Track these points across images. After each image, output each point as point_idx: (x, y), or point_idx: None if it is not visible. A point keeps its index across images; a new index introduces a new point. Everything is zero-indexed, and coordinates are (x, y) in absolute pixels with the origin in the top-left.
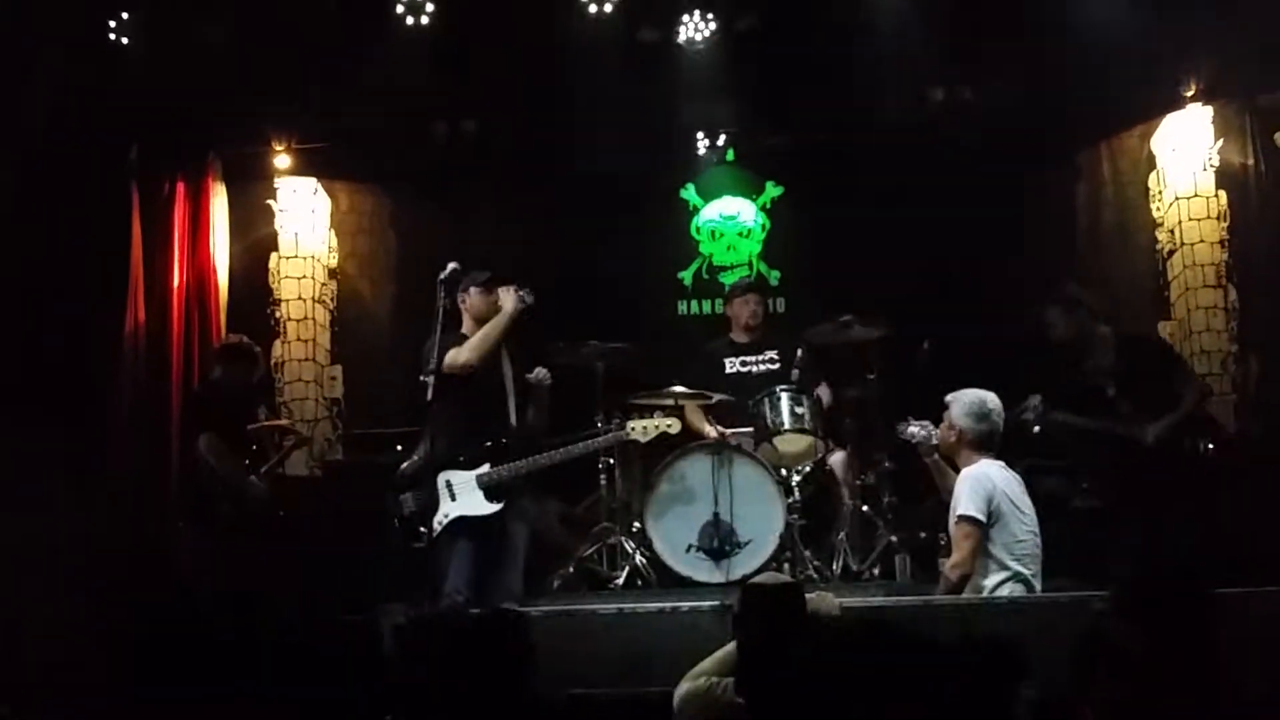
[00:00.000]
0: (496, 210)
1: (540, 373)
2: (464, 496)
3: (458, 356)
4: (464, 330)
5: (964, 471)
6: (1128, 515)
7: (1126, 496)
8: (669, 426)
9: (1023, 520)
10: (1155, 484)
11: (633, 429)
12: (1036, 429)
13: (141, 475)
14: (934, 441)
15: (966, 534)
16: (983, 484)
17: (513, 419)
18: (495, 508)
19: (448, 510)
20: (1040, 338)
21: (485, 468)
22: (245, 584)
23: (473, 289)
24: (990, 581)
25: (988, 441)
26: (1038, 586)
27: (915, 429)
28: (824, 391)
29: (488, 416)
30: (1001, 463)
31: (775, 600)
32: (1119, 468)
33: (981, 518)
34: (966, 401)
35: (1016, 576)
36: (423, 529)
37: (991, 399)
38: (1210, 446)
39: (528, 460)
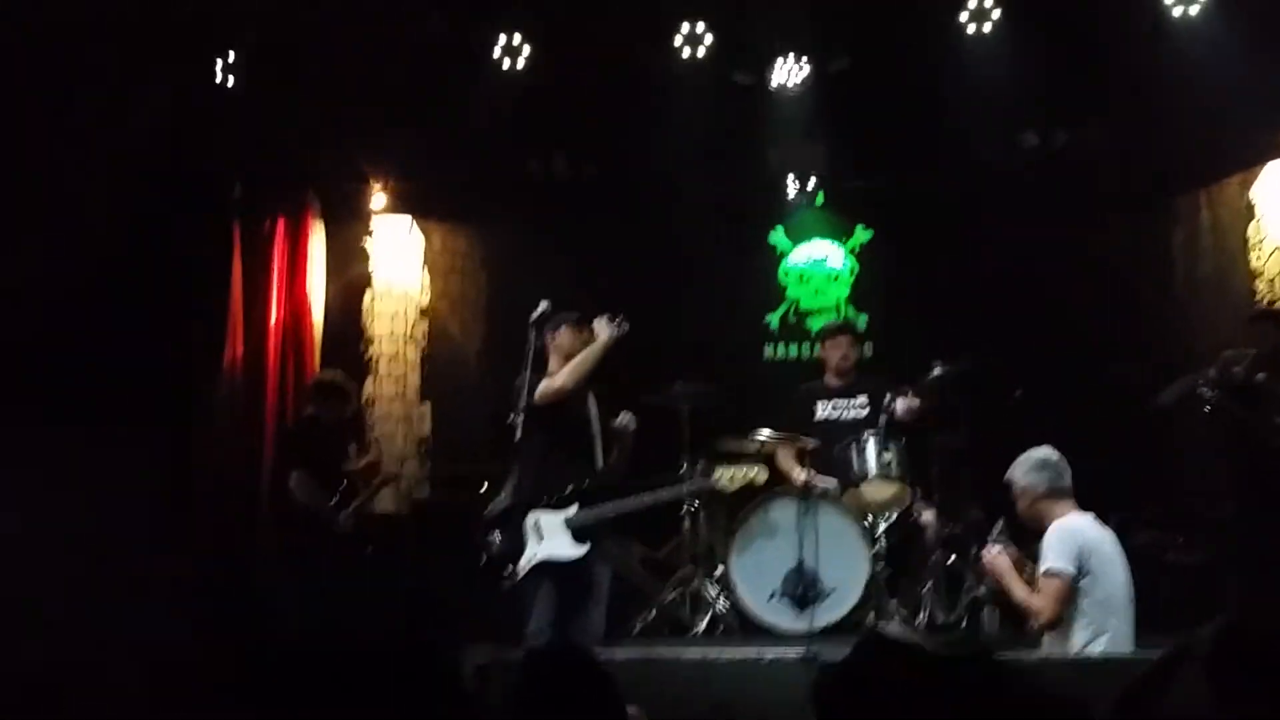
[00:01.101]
0: (588, 251)
1: (626, 417)
2: (552, 538)
3: (552, 383)
4: (551, 370)
5: (1053, 524)
6: (1234, 560)
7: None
8: (756, 476)
9: (1114, 575)
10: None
11: (719, 477)
12: (1208, 408)
13: (235, 506)
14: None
15: (1053, 587)
16: (1073, 536)
17: (599, 461)
18: (582, 550)
19: (535, 551)
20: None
21: (574, 509)
22: (330, 618)
23: (564, 327)
24: (1081, 638)
25: (1060, 488)
26: (1131, 644)
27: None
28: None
29: (575, 458)
30: (1092, 515)
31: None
32: (1257, 490)
33: (1071, 569)
34: (1020, 462)
35: (1108, 632)
36: (510, 568)
37: (1045, 449)
38: None
39: (615, 503)
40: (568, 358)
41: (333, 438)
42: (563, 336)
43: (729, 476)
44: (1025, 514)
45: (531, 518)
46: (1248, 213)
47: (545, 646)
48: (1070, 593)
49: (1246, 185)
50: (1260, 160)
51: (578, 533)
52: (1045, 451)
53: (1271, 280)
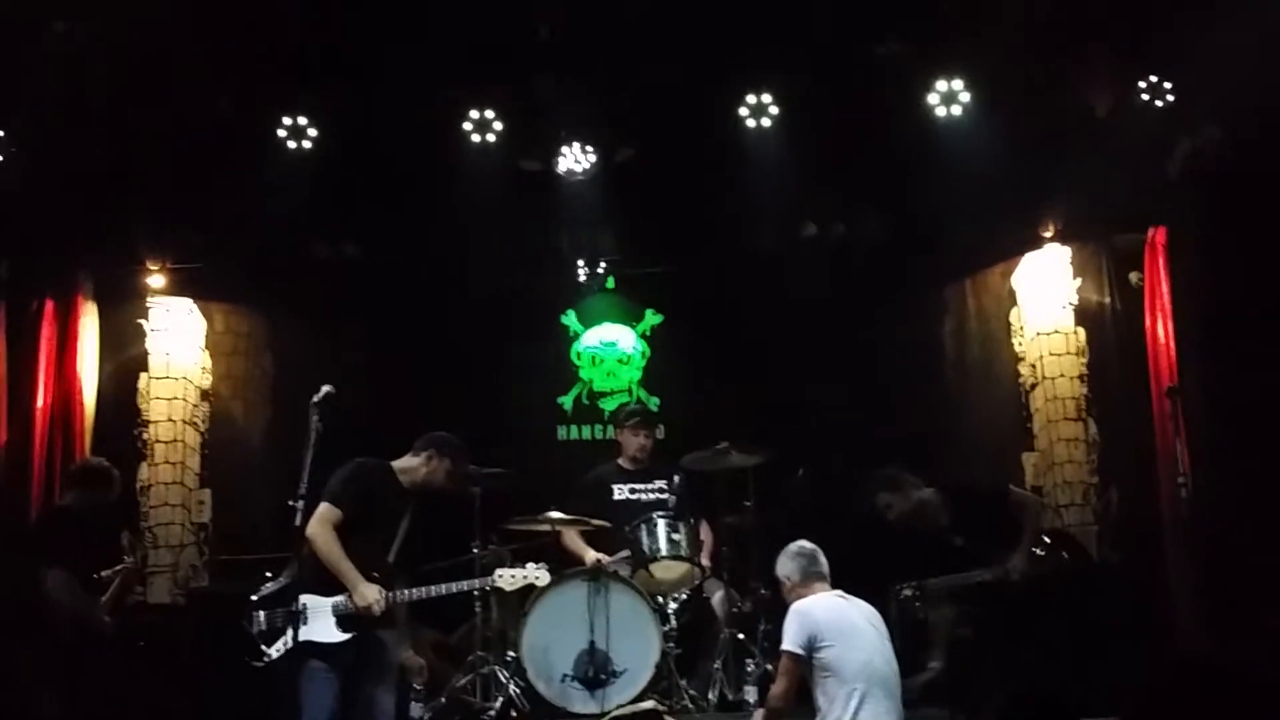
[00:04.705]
0: (377, 333)
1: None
2: (315, 621)
3: (321, 532)
4: (405, 465)
5: (790, 608)
6: (1005, 643)
7: (1006, 626)
8: (537, 579)
9: (857, 644)
10: (1030, 610)
11: (499, 576)
12: (919, 604)
13: None
14: None
15: (782, 665)
16: (798, 618)
17: (391, 555)
18: (344, 637)
19: (292, 634)
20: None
21: (343, 597)
22: (95, 713)
23: (450, 460)
24: (838, 708)
25: (813, 573)
26: (886, 708)
27: None
28: (705, 532)
29: (364, 544)
30: (835, 593)
31: None
32: (997, 605)
33: (797, 649)
34: (780, 556)
35: (866, 698)
36: (264, 648)
37: (799, 542)
38: (1066, 555)
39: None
40: (427, 484)
41: (97, 526)
42: (445, 470)
43: (509, 578)
44: (788, 599)
45: (300, 601)
46: (1010, 300)
47: None
48: (797, 668)
49: (1008, 274)
50: (1020, 251)
51: (342, 620)
52: (799, 544)
53: (1033, 365)
